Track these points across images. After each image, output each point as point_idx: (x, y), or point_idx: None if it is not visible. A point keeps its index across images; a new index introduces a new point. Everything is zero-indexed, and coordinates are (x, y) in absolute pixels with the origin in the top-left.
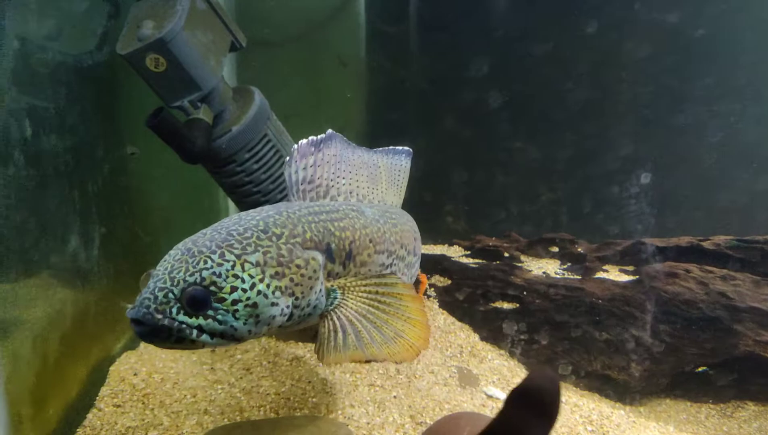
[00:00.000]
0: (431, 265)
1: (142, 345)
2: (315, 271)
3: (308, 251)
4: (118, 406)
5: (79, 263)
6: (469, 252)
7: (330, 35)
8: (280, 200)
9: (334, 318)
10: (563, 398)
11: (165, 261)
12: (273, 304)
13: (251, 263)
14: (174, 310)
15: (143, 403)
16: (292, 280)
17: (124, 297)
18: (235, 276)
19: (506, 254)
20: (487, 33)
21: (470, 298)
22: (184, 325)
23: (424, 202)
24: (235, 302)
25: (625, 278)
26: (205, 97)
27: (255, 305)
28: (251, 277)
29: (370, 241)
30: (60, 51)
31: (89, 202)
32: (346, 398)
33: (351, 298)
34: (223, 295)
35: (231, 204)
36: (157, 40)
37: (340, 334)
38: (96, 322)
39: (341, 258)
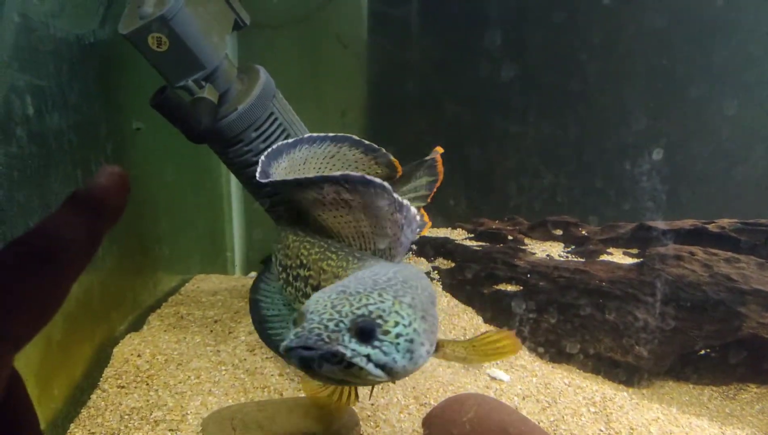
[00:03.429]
0: (435, 247)
1: (146, 327)
2: (435, 321)
3: (431, 306)
4: (122, 387)
5: None
6: (472, 235)
7: (331, 16)
8: None
9: None
10: (566, 380)
11: (318, 302)
12: (422, 344)
13: (406, 304)
14: (346, 338)
15: (147, 384)
16: (431, 327)
17: (127, 278)
18: (397, 313)
19: (510, 237)
20: (491, 12)
21: (474, 281)
22: (355, 352)
23: None
24: (398, 336)
25: (629, 261)
26: (209, 76)
27: (412, 341)
28: (408, 314)
29: None
30: (62, 28)
31: None
32: None
33: None
34: (388, 329)
35: (233, 184)
36: (158, 17)
37: None
38: (100, 303)
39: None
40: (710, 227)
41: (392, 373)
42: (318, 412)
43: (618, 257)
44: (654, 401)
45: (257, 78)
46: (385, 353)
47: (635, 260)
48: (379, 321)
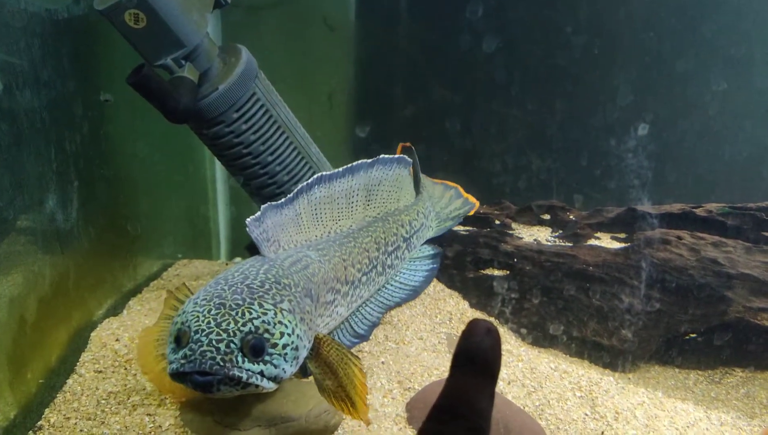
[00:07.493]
0: None
1: (125, 311)
2: (311, 314)
3: (305, 298)
4: (100, 371)
5: (58, 224)
6: None
7: None
8: (272, 163)
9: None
10: (552, 365)
11: (199, 318)
12: (304, 346)
13: (286, 310)
14: (239, 359)
15: (125, 369)
16: (307, 323)
17: (105, 260)
18: (280, 323)
19: (497, 221)
20: None
21: (460, 265)
22: (251, 372)
23: None
24: (284, 346)
25: (616, 245)
26: (189, 55)
27: (297, 348)
28: (290, 322)
29: (324, 283)
30: (34, 3)
31: (67, 161)
32: None
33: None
34: (276, 341)
35: (218, 167)
36: None
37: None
38: (77, 287)
39: (314, 301)
40: (698, 211)
41: (280, 381)
42: (297, 396)
43: (606, 241)
44: (640, 385)
45: (239, 58)
46: (275, 366)
47: (622, 244)
48: (266, 335)
